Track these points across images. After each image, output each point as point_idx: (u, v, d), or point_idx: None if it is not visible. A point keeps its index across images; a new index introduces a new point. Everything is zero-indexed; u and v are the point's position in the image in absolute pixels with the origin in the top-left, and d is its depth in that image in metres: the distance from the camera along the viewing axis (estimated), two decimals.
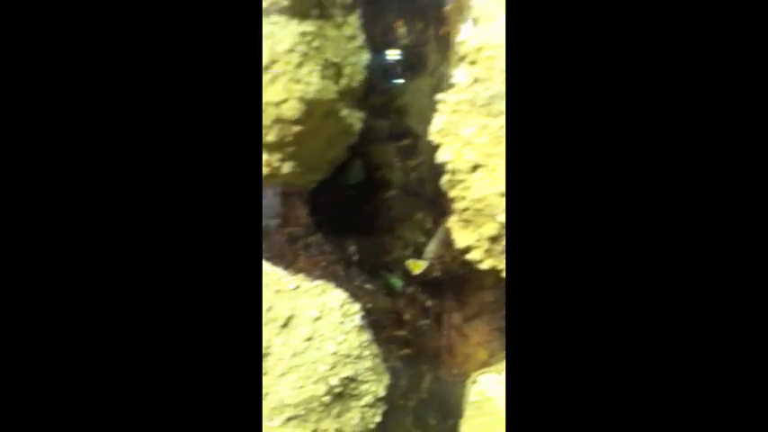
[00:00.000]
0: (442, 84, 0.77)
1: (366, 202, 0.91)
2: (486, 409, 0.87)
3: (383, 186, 0.93)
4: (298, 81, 0.66)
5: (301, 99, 0.67)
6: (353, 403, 0.84)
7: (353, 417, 0.84)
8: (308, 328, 0.82)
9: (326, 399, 0.80)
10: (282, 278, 0.85)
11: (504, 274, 0.80)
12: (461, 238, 0.80)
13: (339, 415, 0.82)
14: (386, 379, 0.89)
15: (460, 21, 0.80)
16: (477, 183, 0.74)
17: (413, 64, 0.87)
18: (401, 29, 0.88)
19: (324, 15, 0.65)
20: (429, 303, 0.94)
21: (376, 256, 0.94)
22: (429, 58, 0.89)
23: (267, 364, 0.80)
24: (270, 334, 0.81)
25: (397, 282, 0.94)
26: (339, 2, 0.68)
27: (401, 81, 0.88)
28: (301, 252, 0.92)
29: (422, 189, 0.91)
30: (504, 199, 0.73)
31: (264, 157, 0.74)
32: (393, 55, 0.84)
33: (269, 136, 0.70)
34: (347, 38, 0.70)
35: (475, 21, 0.68)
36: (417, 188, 0.91)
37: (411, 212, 0.92)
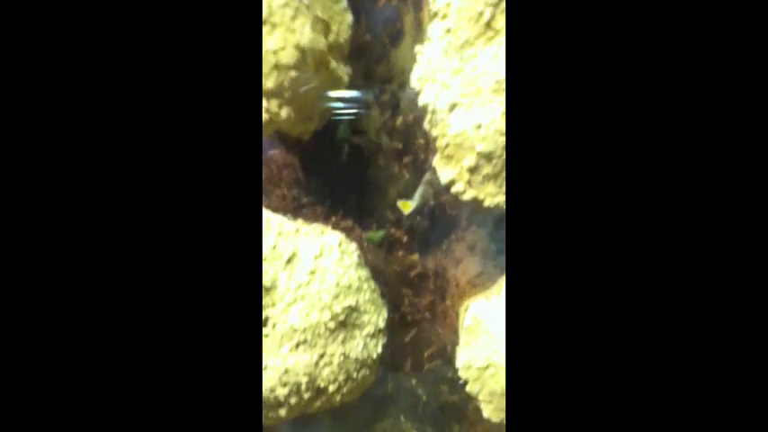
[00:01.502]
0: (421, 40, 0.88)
1: (356, 158, 1.01)
2: (479, 332, 0.95)
3: (371, 144, 1.03)
4: (293, 31, 0.77)
5: (296, 46, 0.77)
6: (356, 332, 0.91)
7: (357, 344, 0.90)
8: (311, 263, 0.89)
9: (331, 324, 0.86)
10: (284, 223, 0.93)
11: (486, 204, 0.90)
12: (445, 172, 0.90)
13: (343, 342, 0.89)
14: (384, 312, 0.96)
15: None
16: (455, 120, 0.85)
17: (397, 29, 0.98)
18: None
19: None
20: (417, 246, 1.03)
21: (363, 207, 1.04)
22: (407, 20, 1.00)
23: (275, 296, 0.86)
24: (275, 269, 0.87)
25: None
26: None
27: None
28: (299, 203, 1.00)
29: (409, 143, 1.01)
30: (481, 131, 0.83)
31: (264, 103, 0.83)
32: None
33: (268, 82, 0.80)
34: (333, 0, 0.82)
35: None
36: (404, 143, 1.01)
37: (397, 163, 1.02)
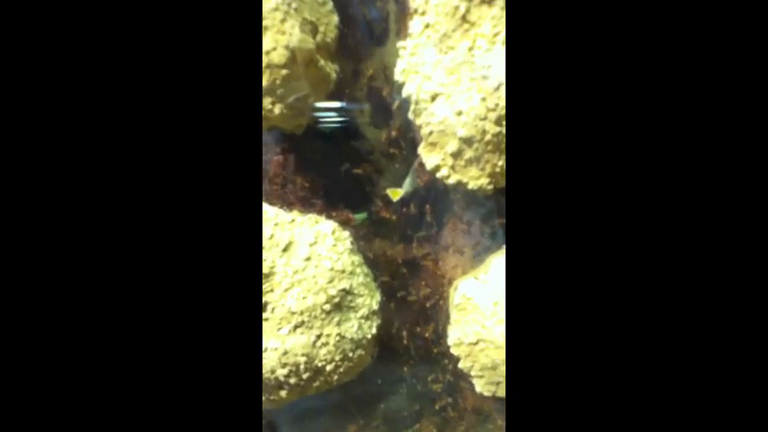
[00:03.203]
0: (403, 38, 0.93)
1: (345, 148, 1.06)
2: (468, 310, 0.99)
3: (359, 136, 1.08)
4: (283, 33, 0.82)
5: (286, 47, 0.82)
6: (351, 314, 0.95)
7: (352, 326, 0.95)
8: (306, 250, 0.94)
9: (327, 307, 0.91)
10: (280, 214, 0.97)
11: (469, 186, 0.95)
12: (430, 159, 0.95)
13: (339, 323, 0.93)
14: (377, 295, 1.01)
15: None
16: (438, 108, 0.90)
17: (382, 30, 1.04)
18: None
19: None
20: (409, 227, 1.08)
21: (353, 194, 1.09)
22: (391, 20, 1.06)
23: (273, 282, 0.91)
24: (273, 256, 0.92)
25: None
26: None
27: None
28: (295, 196, 1.04)
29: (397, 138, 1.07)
30: (462, 118, 0.88)
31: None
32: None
33: (262, 80, 0.85)
34: (319, 3, 0.88)
35: None
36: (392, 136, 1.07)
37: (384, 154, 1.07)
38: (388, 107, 1.08)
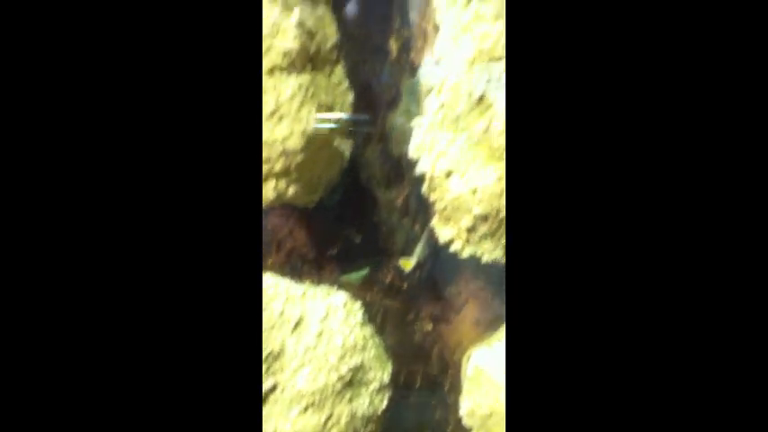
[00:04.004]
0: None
1: (356, 216, 1.06)
2: (481, 381, 0.98)
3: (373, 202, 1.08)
4: (299, 120, 0.82)
5: (302, 133, 0.82)
6: (362, 389, 0.94)
7: (363, 402, 0.93)
8: (317, 326, 0.92)
9: (338, 386, 0.89)
10: (290, 288, 0.96)
11: (483, 260, 0.94)
12: (444, 232, 0.94)
13: (350, 401, 0.91)
14: (389, 366, 0.99)
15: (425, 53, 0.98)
16: (452, 185, 0.90)
17: (392, 98, 1.05)
18: None
19: (316, 68, 0.82)
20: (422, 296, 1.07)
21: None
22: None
23: (283, 362, 0.89)
24: (283, 335, 0.91)
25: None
26: (326, 57, 0.85)
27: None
28: (305, 263, 1.03)
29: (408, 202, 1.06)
30: (476, 195, 0.88)
31: (273, 183, 0.88)
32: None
33: (278, 165, 0.85)
34: (335, 84, 0.88)
35: (438, 61, 0.87)
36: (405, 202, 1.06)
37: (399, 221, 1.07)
38: (398, 167, 1.07)
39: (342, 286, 1.00)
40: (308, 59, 0.83)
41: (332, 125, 0.85)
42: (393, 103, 1.05)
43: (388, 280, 1.06)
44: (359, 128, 0.94)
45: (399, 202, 1.06)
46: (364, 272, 1.07)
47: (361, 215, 1.07)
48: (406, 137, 0.94)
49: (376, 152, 1.06)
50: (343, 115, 0.91)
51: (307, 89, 0.81)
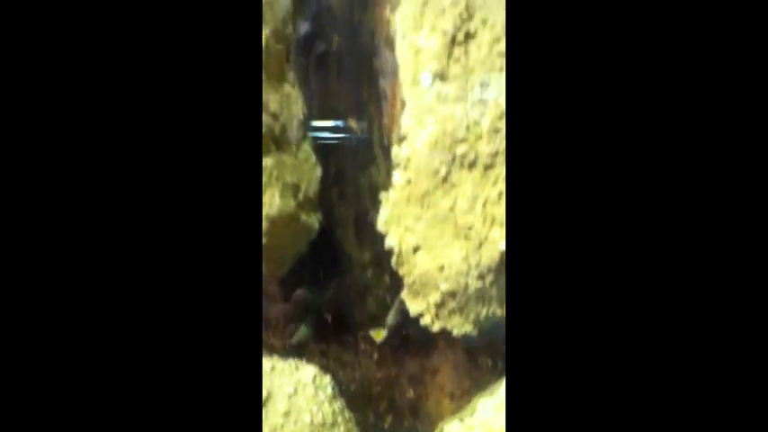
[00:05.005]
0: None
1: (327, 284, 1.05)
2: None
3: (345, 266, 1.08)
4: (264, 205, 0.81)
5: (266, 217, 0.81)
6: None
7: None
8: (285, 403, 0.91)
9: None
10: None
11: (455, 333, 0.93)
12: (413, 306, 0.94)
13: None
14: None
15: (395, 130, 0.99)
16: (419, 261, 0.90)
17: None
18: (353, 123, 1.06)
19: (281, 149, 0.82)
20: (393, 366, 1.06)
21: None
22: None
23: None
24: None
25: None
26: (292, 136, 0.85)
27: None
28: (274, 334, 1.02)
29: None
30: (443, 272, 0.88)
31: None
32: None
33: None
34: (302, 161, 0.87)
35: (403, 138, 0.87)
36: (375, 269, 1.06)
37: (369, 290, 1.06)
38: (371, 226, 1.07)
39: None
40: (271, 141, 0.83)
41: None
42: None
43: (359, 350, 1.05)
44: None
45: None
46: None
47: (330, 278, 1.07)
48: None
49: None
50: None
51: (271, 172, 0.81)
